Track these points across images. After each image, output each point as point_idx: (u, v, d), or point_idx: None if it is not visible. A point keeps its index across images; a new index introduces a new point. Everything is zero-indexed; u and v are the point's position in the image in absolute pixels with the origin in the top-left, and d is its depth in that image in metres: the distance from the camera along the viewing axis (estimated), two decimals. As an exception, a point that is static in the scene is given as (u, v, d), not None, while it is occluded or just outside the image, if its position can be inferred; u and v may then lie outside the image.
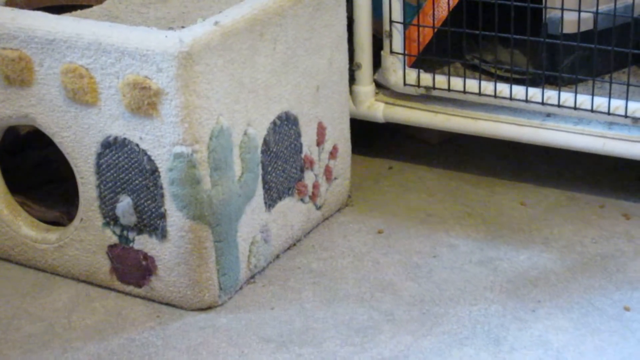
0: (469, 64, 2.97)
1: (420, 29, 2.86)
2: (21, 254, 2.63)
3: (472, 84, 2.85)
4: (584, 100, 2.72)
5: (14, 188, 2.67)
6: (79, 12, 2.54)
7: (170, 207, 2.38)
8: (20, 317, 2.46)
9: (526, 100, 2.79)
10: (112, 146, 2.39)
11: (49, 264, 2.60)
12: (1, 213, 2.62)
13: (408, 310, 2.43)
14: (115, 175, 2.42)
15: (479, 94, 2.84)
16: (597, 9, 2.64)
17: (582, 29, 2.71)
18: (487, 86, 2.83)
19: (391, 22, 2.88)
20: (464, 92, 2.86)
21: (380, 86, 3.01)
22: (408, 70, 2.92)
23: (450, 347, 2.30)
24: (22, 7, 2.57)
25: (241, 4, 2.44)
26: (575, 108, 2.74)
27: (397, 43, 2.90)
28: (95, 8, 2.58)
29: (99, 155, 2.42)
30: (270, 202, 2.57)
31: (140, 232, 2.45)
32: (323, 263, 2.63)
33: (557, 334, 2.32)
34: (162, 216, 2.40)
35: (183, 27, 2.46)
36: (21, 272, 2.62)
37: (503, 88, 2.81)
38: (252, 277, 2.57)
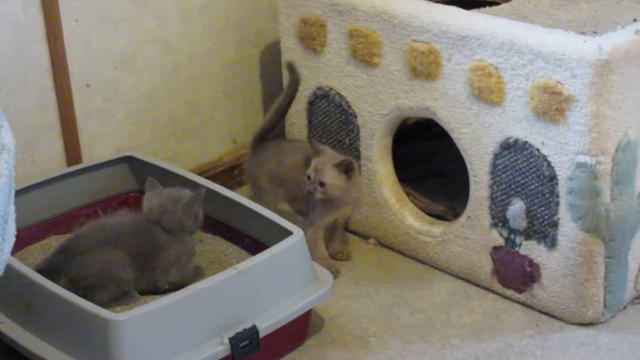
0: None
1: None
2: (403, 243, 2.66)
3: None
4: None
5: (401, 177, 2.70)
6: (489, 9, 2.52)
7: (564, 216, 2.32)
8: (400, 306, 2.49)
9: None
10: (511, 148, 2.36)
11: (430, 257, 2.61)
12: (389, 201, 2.66)
13: None
14: (510, 177, 2.39)
15: None
16: None
17: None
18: None
19: None
20: None
21: None
22: None
23: None
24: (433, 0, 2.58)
25: (662, 13, 2.33)
26: None
27: None
28: (504, 6, 2.55)
29: (496, 156, 2.39)
30: (665, 222, 2.45)
31: (528, 237, 2.40)
32: None
33: None
34: (555, 224, 2.34)
35: (595, 32, 2.38)
36: (402, 262, 2.65)
37: None
38: (637, 297, 2.46)
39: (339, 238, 2.66)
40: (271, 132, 2.69)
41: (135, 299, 2.29)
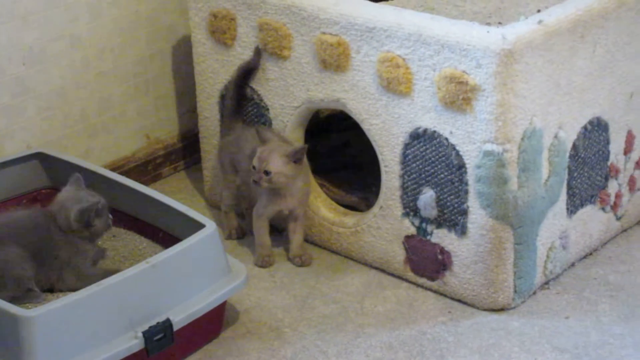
0: None
1: None
2: (317, 234, 2.68)
3: None
4: None
5: (314, 169, 2.72)
6: (396, 1, 2.55)
7: (473, 204, 2.36)
8: (315, 297, 2.51)
9: None
10: (420, 138, 2.39)
11: (344, 247, 2.64)
12: (302, 193, 2.67)
13: None
14: (420, 166, 2.42)
15: None
16: None
17: None
18: None
19: None
20: None
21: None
22: None
23: None
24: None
25: (564, 4, 2.38)
26: None
27: None
28: (412, -2, 2.59)
29: (406, 146, 2.43)
30: (572, 208, 2.51)
31: (439, 225, 2.44)
32: (621, 276, 2.53)
33: None
34: (464, 212, 2.38)
35: (500, 23, 2.43)
36: (317, 253, 2.67)
37: None
38: (547, 283, 2.51)
39: (297, 242, 2.62)
40: (235, 114, 2.68)
41: (39, 296, 2.28)
